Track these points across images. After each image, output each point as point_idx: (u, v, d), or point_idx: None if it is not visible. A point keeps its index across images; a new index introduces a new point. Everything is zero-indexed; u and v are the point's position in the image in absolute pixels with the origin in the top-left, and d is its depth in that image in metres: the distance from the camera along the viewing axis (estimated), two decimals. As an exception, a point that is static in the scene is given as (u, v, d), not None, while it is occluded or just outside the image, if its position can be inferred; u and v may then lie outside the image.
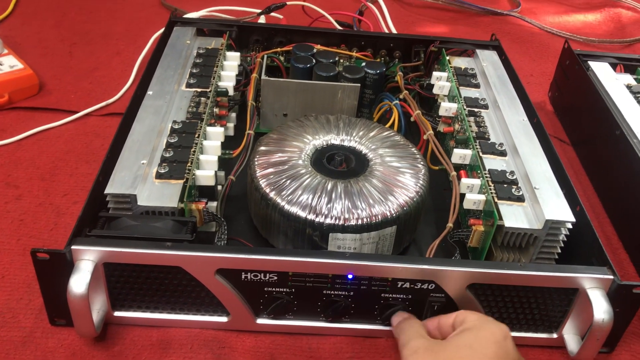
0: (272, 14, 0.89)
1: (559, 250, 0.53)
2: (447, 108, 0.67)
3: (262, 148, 0.59)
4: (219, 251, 0.46)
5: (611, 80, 0.73)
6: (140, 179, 0.51)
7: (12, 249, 0.56)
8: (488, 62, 0.74)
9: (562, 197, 0.54)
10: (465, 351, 0.41)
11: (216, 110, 0.64)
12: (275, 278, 0.47)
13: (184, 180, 0.52)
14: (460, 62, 0.75)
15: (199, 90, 0.64)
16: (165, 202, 0.50)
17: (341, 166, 0.59)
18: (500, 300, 0.49)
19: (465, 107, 0.66)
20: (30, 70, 0.77)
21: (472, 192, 0.56)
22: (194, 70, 0.67)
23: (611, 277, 0.47)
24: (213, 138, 0.59)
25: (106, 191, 0.50)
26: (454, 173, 0.58)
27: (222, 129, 0.60)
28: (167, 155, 0.55)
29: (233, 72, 0.69)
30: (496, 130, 0.63)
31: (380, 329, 0.51)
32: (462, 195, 0.56)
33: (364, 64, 0.72)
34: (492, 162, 0.58)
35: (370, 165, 0.58)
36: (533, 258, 0.53)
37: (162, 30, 0.76)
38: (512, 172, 0.56)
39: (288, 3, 0.86)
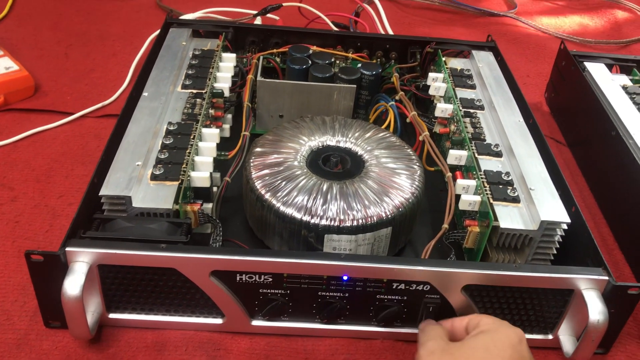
0: (268, 15, 0.88)
1: (555, 251, 0.53)
2: (443, 109, 0.67)
3: (258, 149, 0.59)
4: (214, 253, 0.46)
5: (607, 81, 0.73)
6: (135, 181, 0.51)
7: (6, 251, 0.56)
8: (484, 63, 0.74)
9: (558, 198, 0.54)
10: (482, 353, 0.42)
11: (212, 111, 0.64)
12: (270, 280, 0.47)
13: (179, 181, 0.52)
14: (456, 63, 0.75)
15: (194, 91, 0.64)
16: (160, 204, 0.50)
17: (337, 167, 0.59)
18: (496, 301, 0.49)
19: (461, 108, 0.66)
20: (26, 71, 0.77)
21: (468, 193, 0.56)
22: (190, 72, 0.67)
23: (606, 278, 0.47)
24: (208, 139, 0.59)
25: (101, 193, 0.50)
26: (449, 174, 0.58)
27: (217, 131, 0.60)
28: (162, 156, 0.54)
29: (229, 74, 0.69)
30: (492, 131, 0.63)
31: (376, 331, 0.51)
32: (458, 196, 0.56)
33: (359, 65, 0.73)
34: (487, 163, 0.58)
35: (365, 166, 0.58)
36: (529, 259, 0.53)
37: (158, 31, 0.76)
38: (507, 173, 0.56)
39: (284, 4, 0.86)
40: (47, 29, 0.93)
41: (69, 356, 0.48)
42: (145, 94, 0.63)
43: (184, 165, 0.54)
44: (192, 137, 0.57)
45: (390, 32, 0.97)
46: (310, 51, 0.73)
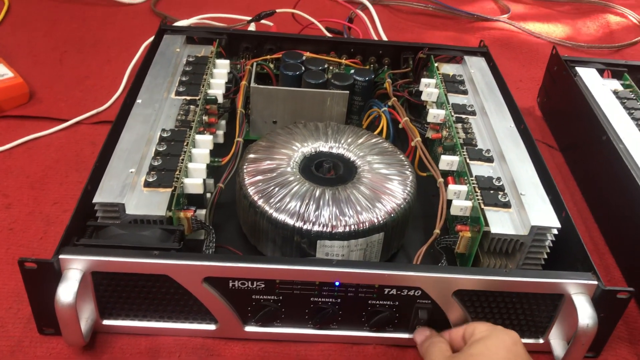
0: (262, 21, 0.89)
1: (545, 256, 0.54)
2: (435, 115, 0.68)
3: (251, 156, 0.59)
4: (206, 259, 0.46)
5: (598, 86, 0.74)
6: (129, 188, 0.52)
7: (0, 258, 0.56)
8: (476, 68, 0.75)
9: (548, 203, 0.54)
10: None
11: (205, 118, 0.64)
12: (263, 286, 0.48)
13: (173, 188, 0.52)
14: (448, 68, 0.75)
15: (188, 98, 0.64)
16: (154, 211, 0.50)
17: (329, 173, 0.59)
18: (487, 306, 0.49)
19: (453, 113, 0.66)
20: (20, 78, 0.77)
21: (459, 199, 0.57)
22: (184, 78, 0.67)
23: (595, 282, 0.47)
24: (202, 146, 0.60)
25: (94, 200, 0.50)
26: (441, 180, 0.59)
27: (210, 137, 0.61)
28: (156, 163, 0.55)
29: (222, 80, 0.70)
30: (483, 137, 0.64)
31: (368, 336, 0.51)
32: (450, 202, 0.56)
33: (352, 71, 0.73)
34: (479, 169, 0.59)
35: (358, 172, 0.58)
36: (520, 264, 0.54)
37: (152, 38, 0.76)
38: (498, 179, 0.57)
39: (278, 11, 0.86)
40: (41, 36, 0.93)
41: (62, 363, 0.48)
42: (139, 100, 0.63)
43: (177, 172, 0.54)
44: (185, 143, 0.58)
45: (384, 37, 0.97)
46: (304, 57, 0.74)
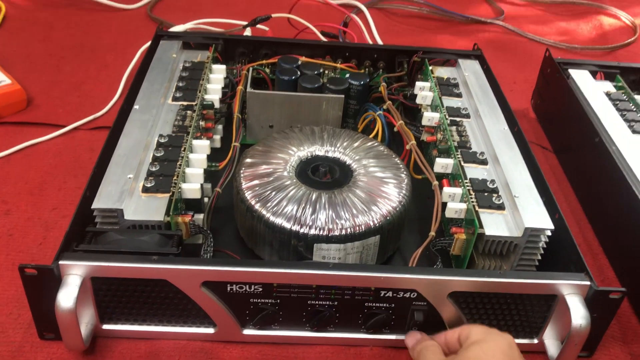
0: (258, 26, 0.90)
1: (539, 257, 0.54)
2: (429, 118, 0.68)
3: (248, 160, 0.60)
4: (204, 264, 0.47)
5: (591, 88, 0.75)
6: (127, 193, 0.52)
7: (0, 264, 0.57)
8: (470, 71, 0.76)
9: (542, 205, 0.55)
10: None
11: (202, 123, 0.65)
12: (260, 289, 0.48)
13: (170, 193, 0.53)
14: (443, 72, 0.76)
15: (185, 103, 0.65)
16: (152, 216, 0.51)
17: (325, 177, 0.60)
18: (482, 307, 0.50)
19: (447, 116, 0.67)
20: (18, 85, 0.77)
21: (454, 201, 0.57)
22: (180, 84, 0.68)
23: (588, 283, 0.48)
24: (199, 151, 0.60)
25: (93, 206, 0.51)
26: (435, 182, 0.59)
27: (207, 142, 0.61)
28: (154, 169, 0.55)
29: (219, 85, 0.70)
30: (477, 139, 0.64)
31: (365, 338, 0.52)
32: (445, 204, 0.57)
33: (348, 75, 0.74)
34: (473, 171, 0.59)
35: (354, 175, 0.59)
36: (514, 265, 0.54)
37: (149, 43, 0.77)
38: (492, 181, 0.58)
39: (273, 15, 0.87)
40: (38, 42, 0.94)
41: (63, 367, 0.49)
42: (136, 106, 0.64)
43: (175, 177, 0.55)
44: (182, 149, 0.58)
45: (379, 40, 0.98)
46: (299, 62, 0.75)
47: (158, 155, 0.57)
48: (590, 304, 0.48)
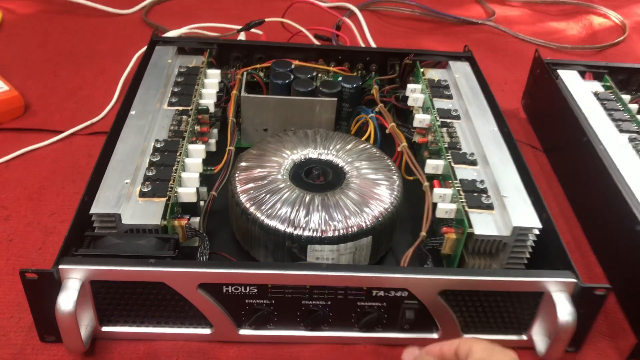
0: (252, 30, 0.91)
1: (528, 255, 0.56)
2: (421, 120, 0.70)
3: (243, 164, 0.61)
4: (200, 266, 0.48)
5: (579, 88, 0.76)
6: (124, 198, 0.53)
7: (1, 269, 0.58)
8: (460, 73, 0.77)
9: (530, 204, 0.56)
10: None
11: (197, 127, 0.66)
12: (255, 290, 0.49)
13: (167, 198, 0.54)
14: (434, 74, 0.77)
15: (180, 108, 0.66)
16: (149, 220, 0.52)
17: (319, 179, 0.61)
18: (471, 305, 0.51)
19: (438, 118, 0.68)
20: (15, 92, 0.78)
21: (444, 202, 0.59)
22: (176, 89, 0.69)
23: (574, 280, 0.49)
24: (194, 155, 0.61)
25: (91, 211, 0.52)
26: (426, 183, 0.61)
27: (203, 146, 0.62)
28: (150, 173, 0.57)
29: (214, 90, 0.71)
30: (467, 141, 0.65)
31: (358, 336, 0.53)
32: (435, 205, 0.58)
33: (340, 78, 0.75)
34: (463, 172, 0.60)
35: (346, 177, 0.60)
36: (503, 263, 0.56)
37: (144, 48, 0.78)
38: (482, 181, 0.59)
39: (267, 20, 0.88)
40: (35, 48, 0.95)
41: (64, 369, 0.50)
42: (132, 112, 0.65)
43: (171, 182, 0.56)
44: (178, 153, 0.59)
45: (372, 43, 0.99)
46: (293, 66, 0.76)
47: (154, 160, 0.58)
48: (576, 301, 0.49)
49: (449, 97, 0.72)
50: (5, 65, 0.89)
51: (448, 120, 0.68)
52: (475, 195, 0.57)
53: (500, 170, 0.60)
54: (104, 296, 0.50)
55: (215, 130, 0.72)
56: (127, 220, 0.52)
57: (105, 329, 0.52)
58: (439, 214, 0.58)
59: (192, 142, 0.63)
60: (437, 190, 0.59)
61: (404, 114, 0.79)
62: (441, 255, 0.59)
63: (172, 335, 0.52)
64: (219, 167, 0.63)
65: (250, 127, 0.72)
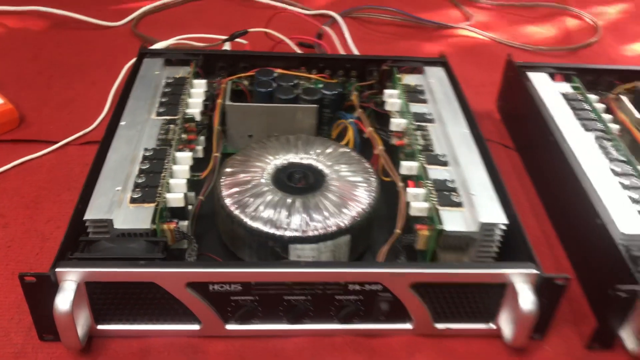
0: (237, 39, 0.94)
1: (497, 249, 0.59)
2: (397, 124, 0.73)
3: (228, 169, 0.65)
4: (187, 267, 0.52)
5: (548, 89, 0.80)
6: (116, 205, 0.57)
7: (1, 274, 0.61)
8: (435, 78, 0.81)
9: (496, 201, 0.60)
10: None
11: (184, 136, 0.70)
12: (240, 288, 0.53)
13: (156, 203, 0.58)
14: (410, 79, 0.81)
15: (168, 118, 0.70)
16: (139, 225, 0.55)
17: (300, 183, 0.65)
18: (441, 296, 0.55)
19: (413, 122, 0.72)
20: (10, 104, 0.82)
21: (417, 201, 0.62)
22: (163, 100, 0.73)
23: (535, 271, 0.53)
24: (181, 163, 0.65)
25: (85, 217, 0.55)
26: (401, 184, 0.64)
27: (190, 154, 0.66)
28: (140, 181, 0.60)
29: (200, 99, 0.75)
30: (440, 143, 0.69)
31: (337, 328, 0.56)
32: (409, 204, 0.62)
33: (321, 85, 0.79)
34: (435, 172, 0.64)
35: (326, 180, 0.64)
36: (473, 257, 0.59)
37: (133, 60, 0.81)
38: (452, 181, 0.63)
39: (250, 30, 0.92)
40: (28, 62, 0.98)
41: (63, 365, 0.53)
42: (122, 123, 0.68)
43: (159, 188, 0.59)
44: (166, 161, 0.63)
45: (354, 49, 1.03)
46: (275, 74, 0.79)
47: (144, 168, 0.62)
48: (538, 290, 0.53)
49: (424, 101, 0.76)
50: (0, 79, 0.92)
51: (422, 124, 0.72)
52: (445, 194, 0.61)
53: (469, 170, 0.64)
54: (99, 296, 0.53)
55: (202, 138, 0.75)
56: (119, 225, 0.55)
57: (100, 327, 0.55)
58: (413, 212, 0.61)
59: (179, 150, 0.66)
60: (411, 190, 0.63)
61: (383, 118, 0.82)
62: (416, 251, 0.63)
63: (164, 332, 0.55)
64: (206, 173, 0.67)
65: (235, 134, 0.76)
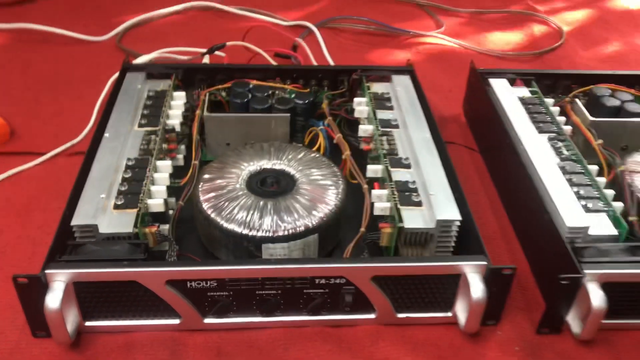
0: (216, 52, 0.99)
1: (453, 244, 0.65)
2: (364, 129, 0.78)
3: (205, 176, 0.70)
4: (166, 266, 0.57)
5: (507, 94, 0.85)
6: (101, 211, 0.62)
7: (-4, 277, 0.66)
8: (401, 86, 0.86)
9: (452, 200, 0.65)
10: None
11: (165, 145, 0.75)
12: (215, 284, 0.58)
13: (138, 209, 0.63)
14: (378, 87, 0.86)
15: (149, 129, 0.74)
16: (123, 229, 0.60)
17: (272, 187, 0.69)
18: (400, 288, 0.60)
19: (379, 128, 0.77)
20: (1, 119, 0.86)
21: (381, 201, 0.67)
22: (145, 112, 0.77)
23: (484, 263, 0.58)
24: (162, 170, 0.70)
25: (72, 223, 0.60)
26: (365, 186, 0.69)
27: (170, 162, 0.71)
28: (123, 188, 0.65)
29: (179, 111, 0.80)
30: (404, 147, 0.74)
31: (307, 319, 0.61)
32: (373, 204, 0.67)
33: (294, 95, 0.84)
34: (398, 175, 0.69)
35: (297, 184, 0.69)
36: (433, 252, 0.65)
37: (117, 74, 0.86)
38: (413, 182, 0.68)
39: (228, 44, 0.97)
40: (17, 77, 1.03)
41: (55, 358, 0.58)
42: (106, 134, 0.73)
43: (141, 195, 0.64)
44: (148, 169, 0.68)
45: (329, 58, 1.08)
46: (251, 85, 0.84)
47: (126, 176, 0.67)
48: (489, 281, 0.58)
49: (390, 108, 0.81)
50: (-10, 95, 0.97)
51: (388, 129, 0.77)
52: (406, 194, 0.66)
53: (429, 172, 0.69)
54: (86, 295, 0.58)
55: (183, 146, 0.80)
56: (103, 229, 0.60)
57: (88, 323, 0.60)
58: (376, 212, 0.67)
59: (160, 159, 0.71)
60: (375, 192, 0.68)
61: (353, 125, 0.87)
62: (381, 247, 0.68)
63: (146, 327, 0.60)
64: (185, 180, 0.71)
65: (213, 142, 0.81)
